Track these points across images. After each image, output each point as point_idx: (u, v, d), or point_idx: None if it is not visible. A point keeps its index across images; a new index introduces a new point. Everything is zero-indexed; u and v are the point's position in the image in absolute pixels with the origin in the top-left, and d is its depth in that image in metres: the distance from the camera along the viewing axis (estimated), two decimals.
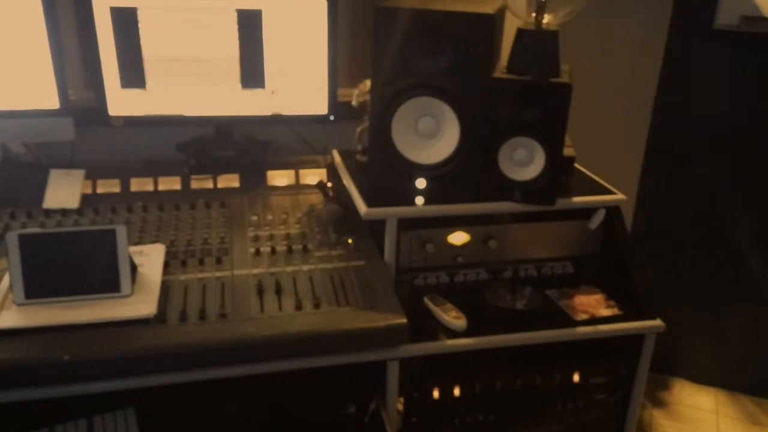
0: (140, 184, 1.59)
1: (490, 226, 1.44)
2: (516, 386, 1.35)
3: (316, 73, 1.64)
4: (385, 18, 1.27)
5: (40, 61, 1.48)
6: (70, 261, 1.16)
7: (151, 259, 1.29)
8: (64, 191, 1.52)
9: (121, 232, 1.17)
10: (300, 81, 1.64)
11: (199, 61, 1.58)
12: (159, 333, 1.13)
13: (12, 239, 1.13)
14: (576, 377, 1.37)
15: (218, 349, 1.12)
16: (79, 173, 1.57)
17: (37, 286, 1.15)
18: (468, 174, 1.37)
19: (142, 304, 1.16)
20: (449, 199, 1.37)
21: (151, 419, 1.21)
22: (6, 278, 1.18)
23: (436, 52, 1.28)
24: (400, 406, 1.32)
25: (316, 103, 1.68)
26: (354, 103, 1.60)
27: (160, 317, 1.16)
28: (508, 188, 1.36)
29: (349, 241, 1.42)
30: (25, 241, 1.13)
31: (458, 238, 1.43)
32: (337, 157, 1.67)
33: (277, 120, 1.67)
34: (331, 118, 1.69)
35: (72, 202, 1.49)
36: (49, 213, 1.46)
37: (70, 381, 1.10)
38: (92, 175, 1.57)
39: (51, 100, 1.52)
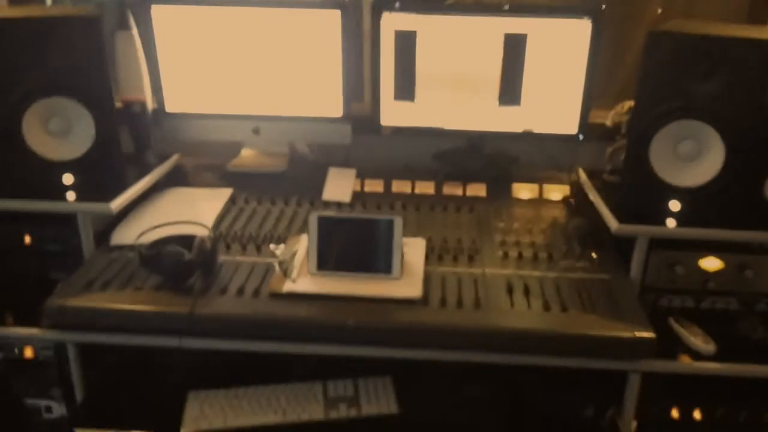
0: (400, 186, 1.78)
1: (747, 255, 1.40)
2: (763, 420, 1.30)
3: (570, 94, 1.71)
4: (658, 42, 1.32)
5: (331, 76, 1.74)
6: (354, 242, 1.37)
7: (413, 249, 1.46)
8: (338, 186, 1.76)
9: (398, 222, 1.35)
10: (553, 101, 1.73)
11: (463, 80, 1.74)
12: (423, 313, 1.28)
13: (313, 219, 1.36)
14: None
15: (475, 334, 1.24)
16: (352, 172, 1.81)
17: (327, 260, 1.37)
18: (728, 200, 1.35)
19: (409, 287, 1.33)
20: (705, 224, 1.37)
21: (404, 389, 1.37)
22: (301, 251, 1.42)
23: (709, 76, 1.30)
24: (635, 422, 1.34)
25: (566, 122, 1.75)
26: (609, 123, 1.65)
27: (424, 300, 1.31)
28: None
29: (594, 255, 1.47)
30: (322, 222, 1.36)
31: (711, 263, 1.41)
32: (582, 176, 1.73)
33: (527, 137, 1.78)
34: (580, 137, 1.76)
35: (345, 196, 1.73)
36: (326, 204, 1.70)
37: (346, 343, 1.29)
38: (361, 175, 1.80)
39: (335, 109, 1.78)
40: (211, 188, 1.76)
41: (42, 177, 1.44)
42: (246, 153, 1.90)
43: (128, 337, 1.31)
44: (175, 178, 1.80)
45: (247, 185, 1.77)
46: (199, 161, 1.89)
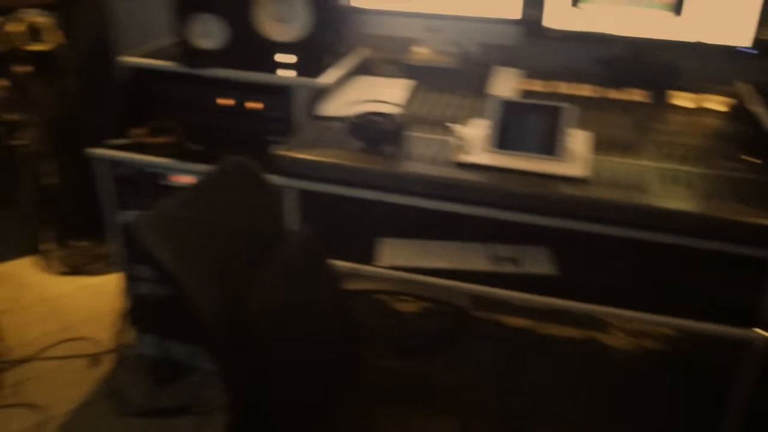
0: (563, 88, 1.94)
1: None
2: None
3: (745, 6, 1.77)
4: None
5: None
6: (527, 125, 1.57)
7: (578, 139, 1.63)
8: (504, 84, 1.94)
9: (569, 110, 1.53)
10: (724, 12, 1.79)
11: None
12: (585, 189, 1.47)
13: (495, 102, 1.57)
14: None
15: (631, 210, 1.42)
16: (517, 72, 1.99)
17: (504, 139, 1.58)
18: None
19: (575, 168, 1.52)
20: None
21: (560, 259, 1.59)
22: (477, 132, 1.63)
23: None
24: None
25: (738, 36, 1.81)
26: None
27: (587, 180, 1.50)
28: None
29: (747, 158, 1.59)
30: (503, 105, 1.57)
31: None
32: (744, 88, 1.81)
33: (693, 47, 1.86)
34: (754, 52, 1.81)
35: (509, 94, 1.91)
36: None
37: (517, 210, 1.52)
38: (527, 76, 1.97)
39: (512, 11, 1.94)
40: (395, 78, 2.00)
41: (266, 55, 1.75)
42: (417, 50, 2.10)
43: (339, 187, 1.60)
44: (361, 68, 2.05)
45: (423, 78, 1.99)
46: (375, 54, 2.12)
